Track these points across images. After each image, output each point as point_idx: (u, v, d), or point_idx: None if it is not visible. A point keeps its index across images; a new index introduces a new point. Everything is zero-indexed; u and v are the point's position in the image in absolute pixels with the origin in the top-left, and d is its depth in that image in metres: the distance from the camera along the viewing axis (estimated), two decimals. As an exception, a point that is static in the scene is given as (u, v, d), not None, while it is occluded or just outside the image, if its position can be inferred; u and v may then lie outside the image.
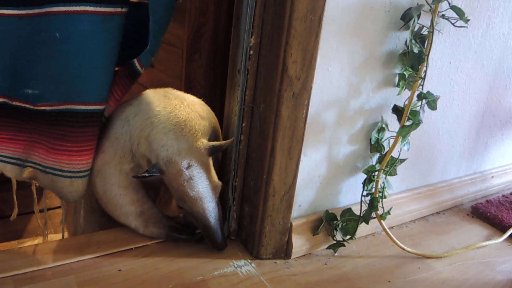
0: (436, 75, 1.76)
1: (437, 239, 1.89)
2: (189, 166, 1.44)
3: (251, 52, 1.43)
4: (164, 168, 1.45)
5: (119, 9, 1.39)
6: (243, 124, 1.51)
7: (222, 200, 1.64)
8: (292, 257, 1.62)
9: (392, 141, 1.65)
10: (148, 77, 2.53)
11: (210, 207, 1.47)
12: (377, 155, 1.70)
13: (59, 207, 2.21)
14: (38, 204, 1.75)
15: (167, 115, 1.49)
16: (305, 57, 1.36)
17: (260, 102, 1.46)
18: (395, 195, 1.87)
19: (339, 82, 1.51)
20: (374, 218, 1.67)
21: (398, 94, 1.61)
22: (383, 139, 1.67)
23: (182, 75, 2.41)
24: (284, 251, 1.62)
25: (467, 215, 2.11)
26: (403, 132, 1.58)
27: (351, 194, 1.74)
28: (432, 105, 1.60)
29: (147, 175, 1.43)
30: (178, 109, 1.50)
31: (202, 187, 1.45)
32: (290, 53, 1.33)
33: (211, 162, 1.52)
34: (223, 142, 1.51)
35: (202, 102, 1.65)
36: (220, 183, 1.52)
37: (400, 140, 1.60)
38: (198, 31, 2.38)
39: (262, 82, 1.44)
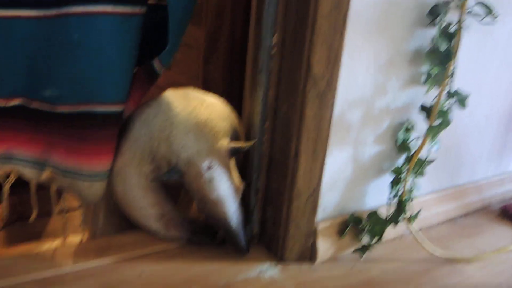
0: (462, 73, 1.69)
1: (466, 242, 1.82)
2: (209, 168, 1.41)
3: (274, 50, 1.38)
4: (184, 170, 1.42)
5: (137, 9, 1.36)
6: (266, 125, 1.47)
7: (243, 203, 1.60)
8: (317, 261, 1.57)
9: (419, 141, 1.59)
10: (165, 79, 2.51)
11: (231, 210, 1.44)
12: (404, 156, 1.64)
13: (78, 208, 2.19)
14: (57, 206, 1.72)
15: (187, 115, 1.46)
16: (330, 56, 1.31)
17: (283, 102, 1.41)
18: (422, 197, 1.81)
19: (365, 81, 1.45)
20: (402, 221, 1.61)
21: (426, 93, 1.54)
22: (409, 140, 1.61)
23: (199, 76, 2.38)
24: (309, 255, 1.57)
25: (496, 216, 2.03)
26: (432, 132, 1.52)
27: (377, 196, 1.69)
28: (462, 103, 1.54)
29: (165, 178, 1.40)
30: (198, 109, 1.47)
31: (223, 190, 1.42)
32: (314, 52, 1.28)
33: (233, 163, 1.48)
34: (245, 143, 1.47)
35: (223, 103, 1.61)
36: (242, 185, 1.48)
37: (429, 140, 1.54)
38: (215, 32, 2.37)
39: (285, 82, 1.39)
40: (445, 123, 1.51)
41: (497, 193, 2.11)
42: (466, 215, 2.02)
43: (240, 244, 1.48)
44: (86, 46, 1.35)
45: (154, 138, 1.48)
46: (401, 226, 1.68)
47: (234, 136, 1.58)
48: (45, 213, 2.14)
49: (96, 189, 1.50)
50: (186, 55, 2.52)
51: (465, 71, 1.69)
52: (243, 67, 2.48)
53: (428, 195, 1.86)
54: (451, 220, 1.96)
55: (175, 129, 1.45)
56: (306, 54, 1.29)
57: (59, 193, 1.73)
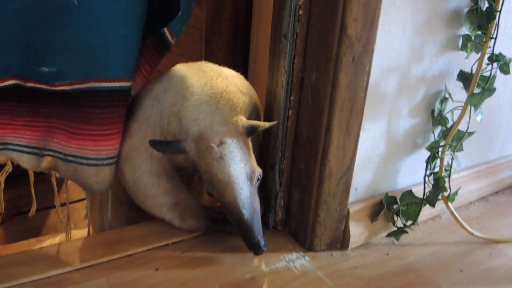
0: (498, 37, 1.55)
1: (502, 221, 1.70)
2: (220, 143, 1.22)
3: (300, 12, 1.22)
4: (193, 146, 1.24)
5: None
6: (291, 98, 1.32)
7: (267, 187, 1.45)
8: (349, 247, 1.43)
9: (456, 112, 1.45)
10: (164, 61, 2.40)
11: (242, 195, 1.23)
12: (439, 129, 1.50)
13: (80, 200, 2.04)
14: (58, 198, 1.57)
15: (202, 86, 1.29)
16: (367, 14, 1.15)
17: (312, 70, 1.26)
18: (454, 174, 1.67)
19: (401, 45, 1.31)
20: (440, 200, 1.47)
21: (466, 58, 1.40)
22: (445, 111, 1.47)
23: (202, 58, 2.24)
24: (340, 241, 1.43)
25: (529, 194, 1.91)
26: (474, 100, 1.38)
27: (410, 175, 1.55)
28: (505, 68, 1.39)
29: (164, 150, 1.25)
30: (214, 81, 1.30)
31: (234, 170, 1.22)
32: (350, 9, 1.13)
33: (249, 144, 1.30)
34: (266, 123, 1.27)
35: (242, 77, 1.45)
36: (259, 169, 1.28)
37: (470, 110, 1.40)
38: (217, 10, 2.24)
39: (314, 47, 1.24)
40: (488, 91, 1.36)
41: (528, 168, 1.98)
42: (497, 193, 1.89)
43: (252, 240, 1.23)
44: (86, 12, 1.18)
45: (165, 115, 1.32)
46: (432, 208, 1.54)
47: (254, 112, 1.42)
48: (46, 207, 2.00)
49: (103, 176, 1.34)
50: (187, 36, 2.38)
51: (500, 35, 1.55)
52: (247, 46, 2.36)
53: (461, 173, 1.72)
54: (483, 199, 1.83)
55: (186, 102, 1.27)
56: (340, 12, 1.14)
57: (60, 183, 1.57)
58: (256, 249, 1.24)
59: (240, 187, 1.23)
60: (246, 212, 1.23)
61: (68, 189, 1.58)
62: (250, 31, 2.31)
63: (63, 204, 1.61)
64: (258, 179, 1.28)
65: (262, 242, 1.24)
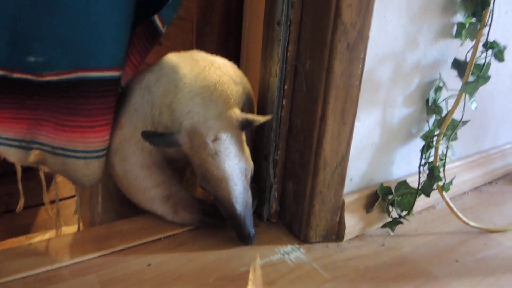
0: (492, 25, 1.53)
1: (496, 211, 1.69)
2: (215, 139, 1.20)
3: (294, -3, 1.20)
4: (186, 140, 1.22)
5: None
6: (285, 86, 1.29)
7: (261, 179, 1.42)
8: (344, 239, 1.41)
9: (450, 101, 1.44)
10: (155, 54, 2.36)
11: (236, 191, 1.23)
12: (433, 118, 1.48)
13: (70, 197, 2.00)
14: (47, 194, 1.52)
15: (195, 77, 1.26)
16: (362, 0, 1.13)
17: (306, 58, 1.23)
18: (448, 164, 1.65)
19: (396, 32, 1.29)
20: (435, 190, 1.46)
21: (460, 45, 1.39)
22: (440, 100, 1.45)
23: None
24: (335, 233, 1.41)
25: (522, 183, 1.91)
26: (469, 88, 1.36)
27: (404, 165, 1.53)
28: (499, 56, 1.38)
29: (156, 143, 1.22)
30: (207, 71, 1.27)
31: (229, 166, 1.21)
32: (344, -5, 1.10)
33: (243, 138, 1.28)
34: (260, 117, 1.25)
35: (235, 65, 1.42)
36: (252, 164, 1.28)
37: (464, 98, 1.38)
38: (208, 1, 2.21)
39: (308, 34, 1.21)
40: (483, 78, 1.35)
41: (520, 158, 1.98)
42: (490, 183, 1.89)
43: (244, 232, 1.27)
44: (74, -2, 1.15)
45: (156, 105, 1.28)
46: (426, 198, 1.53)
47: (248, 102, 1.40)
48: (35, 204, 1.96)
49: (93, 169, 1.31)
50: (177, 28, 2.34)
51: (494, 24, 1.54)
52: (239, 38, 2.33)
53: (454, 163, 1.71)
54: (477, 189, 1.83)
55: (179, 93, 1.24)
56: (334, -2, 1.11)
57: (49, 179, 1.53)
58: (247, 239, 1.29)
59: (235, 183, 1.22)
60: (239, 207, 1.24)
61: (58, 186, 1.54)
62: (241, 23, 2.28)
63: (53, 202, 1.57)
64: (252, 174, 1.28)
65: (253, 233, 1.28)
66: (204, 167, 1.22)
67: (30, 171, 1.45)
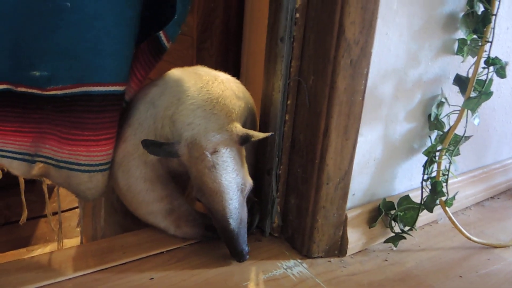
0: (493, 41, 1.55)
1: (499, 226, 1.69)
2: (214, 152, 1.20)
3: (297, 15, 1.21)
4: (185, 151, 1.22)
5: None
6: (288, 102, 1.30)
7: (263, 193, 1.42)
8: (347, 254, 1.41)
9: (452, 117, 1.45)
10: (156, 69, 2.40)
11: (231, 205, 1.22)
12: (435, 134, 1.49)
13: (70, 209, 2.00)
14: (44, 207, 1.53)
15: (198, 90, 1.27)
16: (365, 17, 1.14)
17: (309, 74, 1.24)
18: (450, 180, 1.66)
19: (398, 49, 1.30)
20: (437, 205, 1.46)
21: (462, 62, 1.40)
22: (442, 115, 1.46)
23: (193, 65, 2.23)
24: (338, 248, 1.41)
25: (523, 198, 1.91)
26: (471, 104, 1.37)
27: (406, 180, 1.53)
28: (501, 72, 1.39)
29: (155, 153, 1.21)
30: (210, 85, 1.28)
31: (226, 180, 1.20)
32: (348, 12, 1.12)
33: (243, 152, 1.29)
34: (260, 133, 1.25)
35: (238, 81, 1.43)
36: (251, 180, 1.27)
37: (466, 113, 1.39)
38: (209, 17, 2.23)
39: (312, 50, 1.22)
40: (486, 95, 1.36)
41: (522, 174, 1.98)
42: (492, 198, 1.89)
43: (237, 248, 1.24)
44: (79, 14, 1.16)
45: (159, 118, 1.29)
46: (429, 213, 1.53)
47: (250, 117, 1.40)
48: (35, 216, 1.95)
49: (96, 182, 1.31)
50: (178, 43, 2.35)
51: (495, 40, 1.55)
52: (238, 53, 2.34)
53: (456, 178, 1.71)
54: (479, 204, 1.83)
55: (181, 105, 1.25)
56: (338, 15, 1.13)
57: (50, 191, 1.54)
58: (239, 256, 1.26)
59: (230, 197, 1.22)
60: (233, 222, 1.23)
61: (60, 198, 1.55)
62: (241, 38, 2.30)
63: (54, 214, 1.57)
64: (248, 190, 1.27)
65: (246, 250, 1.25)
66: (201, 179, 1.21)
67: (30, 184, 1.46)
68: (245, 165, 1.29)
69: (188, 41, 2.33)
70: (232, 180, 1.22)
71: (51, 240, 1.85)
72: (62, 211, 2.05)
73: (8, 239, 2.03)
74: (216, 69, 1.46)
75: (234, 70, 2.30)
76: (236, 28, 2.30)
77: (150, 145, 1.22)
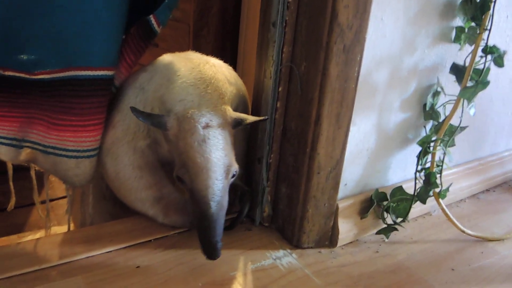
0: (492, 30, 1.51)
1: (493, 219, 1.67)
2: (206, 126, 1.15)
3: (290, -1, 1.18)
4: (175, 124, 1.16)
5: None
6: (280, 88, 1.27)
7: (254, 182, 1.40)
8: (338, 244, 1.39)
9: (448, 107, 1.42)
10: (151, 57, 2.38)
11: (215, 186, 1.13)
12: (430, 124, 1.46)
13: (63, 197, 1.98)
14: (39, 194, 1.50)
15: (189, 70, 1.23)
16: (359, 1, 1.11)
17: (301, 60, 1.21)
18: (445, 171, 1.63)
19: (393, 35, 1.27)
20: (431, 196, 1.44)
21: (459, 50, 1.37)
22: (438, 105, 1.43)
23: (190, 52, 2.20)
24: (328, 238, 1.39)
25: (520, 191, 1.89)
26: (467, 93, 1.34)
27: (400, 171, 1.51)
28: (499, 61, 1.36)
29: (144, 120, 1.14)
30: (202, 67, 1.25)
31: (214, 156, 1.13)
32: (341, -4, 1.08)
33: (232, 139, 1.23)
34: (253, 117, 1.21)
35: (230, 67, 1.40)
36: (237, 165, 1.20)
37: (463, 103, 1.36)
38: (205, 4, 2.21)
39: (304, 36, 1.19)
40: (482, 84, 1.33)
41: (519, 166, 1.95)
42: (488, 190, 1.86)
43: (211, 239, 1.10)
44: (67, -3, 1.13)
45: (148, 102, 1.26)
46: (422, 205, 1.50)
47: (242, 104, 1.38)
48: (28, 203, 1.93)
49: (84, 168, 1.29)
50: (174, 30, 2.34)
51: (493, 29, 1.52)
52: (236, 41, 2.32)
53: (451, 170, 1.68)
54: (474, 196, 1.80)
55: (172, 84, 1.21)
56: (331, -1, 1.09)
57: (41, 179, 1.51)
58: (211, 251, 1.11)
59: (216, 177, 1.14)
60: (213, 206, 1.13)
61: (52, 185, 1.52)
62: (238, 25, 2.27)
63: (44, 201, 1.55)
64: (233, 175, 1.20)
65: (219, 245, 1.12)
66: (187, 153, 1.14)
67: (24, 170, 1.43)
68: (233, 152, 1.23)
69: (185, 28, 2.30)
70: (220, 158, 1.15)
71: (44, 227, 1.82)
72: (56, 199, 2.04)
73: (2, 225, 2.02)
74: (213, 55, 1.42)
75: (231, 57, 2.28)
76: (233, 15, 2.27)
77: (139, 112, 1.16)
